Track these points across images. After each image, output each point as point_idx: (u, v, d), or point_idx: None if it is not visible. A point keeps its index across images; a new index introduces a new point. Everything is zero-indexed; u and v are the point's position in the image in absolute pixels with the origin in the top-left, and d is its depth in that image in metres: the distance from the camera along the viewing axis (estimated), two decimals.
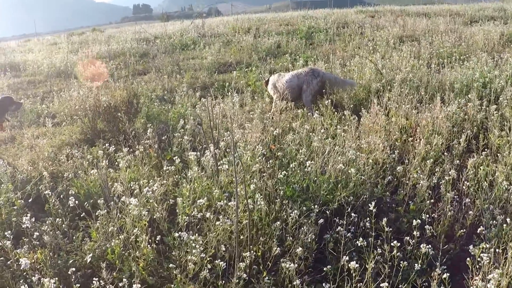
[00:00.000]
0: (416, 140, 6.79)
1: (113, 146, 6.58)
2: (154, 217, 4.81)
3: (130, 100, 8.91)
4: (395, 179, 5.99)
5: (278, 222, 4.65)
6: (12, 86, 14.92)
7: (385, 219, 4.43)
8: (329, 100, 8.29)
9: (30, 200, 5.91)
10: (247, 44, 18.10)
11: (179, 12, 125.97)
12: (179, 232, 4.28)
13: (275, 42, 18.22)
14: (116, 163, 6.24)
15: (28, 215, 4.71)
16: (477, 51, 12.94)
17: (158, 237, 4.57)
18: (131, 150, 6.80)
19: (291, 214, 4.73)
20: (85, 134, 8.87)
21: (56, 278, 3.78)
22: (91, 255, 4.53)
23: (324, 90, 8.94)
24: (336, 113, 7.99)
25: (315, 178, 5.50)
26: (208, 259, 4.20)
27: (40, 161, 7.33)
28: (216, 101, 9.28)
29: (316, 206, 4.95)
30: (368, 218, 4.72)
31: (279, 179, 5.45)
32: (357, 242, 4.30)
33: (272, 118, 8.26)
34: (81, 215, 5.06)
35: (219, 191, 5.18)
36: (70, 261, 4.64)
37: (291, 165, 5.69)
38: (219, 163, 5.78)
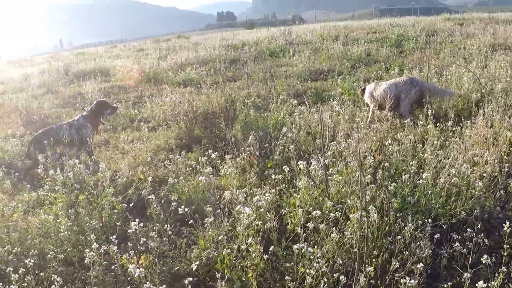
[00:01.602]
0: None
1: (216, 153, 6.45)
2: (265, 226, 4.66)
3: (227, 107, 8.84)
4: (505, 194, 5.64)
5: (398, 237, 4.43)
6: (103, 91, 15.39)
7: None
8: (430, 110, 7.96)
9: (131, 205, 5.92)
10: (336, 51, 17.83)
11: (262, 20, 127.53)
12: (297, 244, 4.11)
13: (365, 50, 17.86)
14: (218, 170, 6.17)
15: (137, 220, 4.68)
16: None
17: (271, 247, 4.42)
18: (232, 157, 6.71)
19: (404, 227, 4.52)
20: (181, 139, 8.91)
21: (164, 286, 3.69)
22: (197, 263, 4.43)
23: (424, 100, 8.60)
24: (438, 123, 7.63)
25: (428, 191, 5.24)
26: (325, 272, 4.02)
27: (139, 166, 7.37)
28: (314, 109, 9.11)
29: (429, 220, 4.71)
30: (482, 234, 4.51)
31: (389, 191, 5.22)
32: (482, 259, 4.04)
33: (372, 127, 7.99)
34: (187, 221, 4.97)
35: (330, 202, 4.99)
36: (175, 268, 4.58)
37: (403, 177, 5.44)
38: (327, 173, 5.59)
